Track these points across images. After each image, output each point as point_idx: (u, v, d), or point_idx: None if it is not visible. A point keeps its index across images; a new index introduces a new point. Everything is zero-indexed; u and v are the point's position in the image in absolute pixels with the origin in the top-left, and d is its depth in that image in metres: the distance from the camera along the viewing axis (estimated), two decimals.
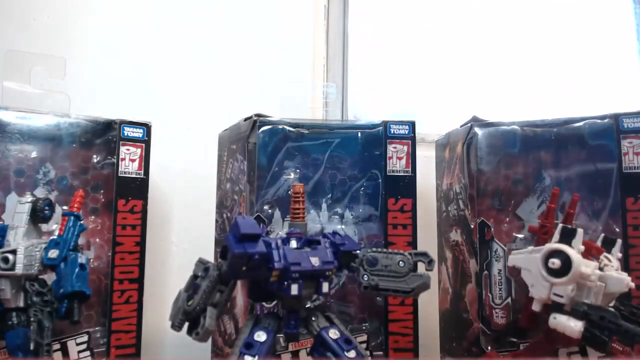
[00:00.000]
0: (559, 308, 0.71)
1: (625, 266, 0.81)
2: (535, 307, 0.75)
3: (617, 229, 0.86)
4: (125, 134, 0.92)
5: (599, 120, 0.89)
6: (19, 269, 0.75)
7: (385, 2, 1.44)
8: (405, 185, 0.91)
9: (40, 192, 0.88)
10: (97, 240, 0.92)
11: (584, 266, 0.70)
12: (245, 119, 0.93)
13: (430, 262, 0.74)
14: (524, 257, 0.77)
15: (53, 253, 0.78)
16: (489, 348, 0.88)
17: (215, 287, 0.68)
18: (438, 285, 1.05)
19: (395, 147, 0.92)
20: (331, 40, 1.36)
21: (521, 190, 0.92)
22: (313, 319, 0.72)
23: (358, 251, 0.75)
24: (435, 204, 1.08)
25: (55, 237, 0.81)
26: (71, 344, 0.87)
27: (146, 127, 0.94)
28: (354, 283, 0.92)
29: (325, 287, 0.70)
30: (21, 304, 0.77)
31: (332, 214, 0.94)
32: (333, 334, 0.70)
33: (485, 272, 0.89)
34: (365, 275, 0.74)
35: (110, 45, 1.27)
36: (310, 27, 1.32)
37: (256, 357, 0.66)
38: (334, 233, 0.77)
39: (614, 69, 1.39)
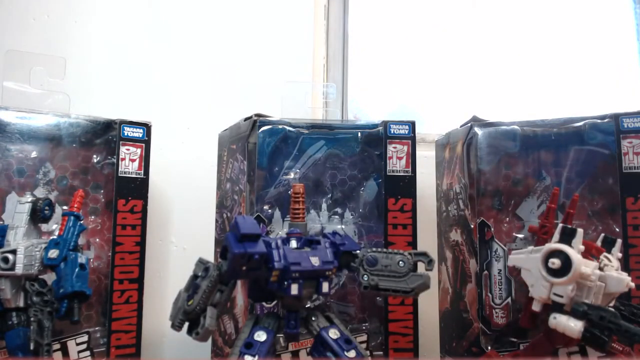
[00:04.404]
0: (559, 308, 0.71)
1: (625, 266, 0.81)
2: (535, 307, 0.75)
3: (617, 229, 0.86)
4: (125, 134, 0.92)
5: (599, 120, 0.89)
6: (19, 269, 0.75)
7: (385, 2, 1.44)
8: (405, 185, 0.91)
9: (40, 192, 0.88)
10: (97, 240, 0.92)
11: (584, 266, 0.70)
12: (245, 119, 0.93)
13: (430, 262, 0.74)
14: (524, 257, 0.77)
15: (53, 253, 0.78)
16: (489, 348, 0.88)
17: (216, 287, 0.69)
18: (438, 285, 1.05)
19: (395, 147, 0.92)
20: (331, 40, 1.36)
21: (521, 190, 0.92)
22: (313, 318, 0.72)
23: (358, 251, 0.75)
24: (435, 204, 1.08)
25: (55, 237, 0.81)
26: (71, 344, 0.87)
27: (146, 127, 0.94)
28: (354, 283, 0.92)
29: (325, 287, 0.70)
30: (21, 304, 0.78)
31: (332, 214, 0.94)
32: (333, 333, 0.70)
33: (485, 272, 0.89)
34: (365, 275, 0.74)
35: (110, 45, 1.27)
36: (310, 27, 1.32)
37: (256, 357, 0.66)
38: (334, 233, 0.77)
39: (614, 69, 1.39)
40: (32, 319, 0.76)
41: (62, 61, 0.97)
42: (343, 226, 0.93)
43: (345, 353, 0.68)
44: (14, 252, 0.75)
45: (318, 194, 0.94)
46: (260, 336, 0.68)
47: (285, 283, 0.67)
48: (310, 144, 0.94)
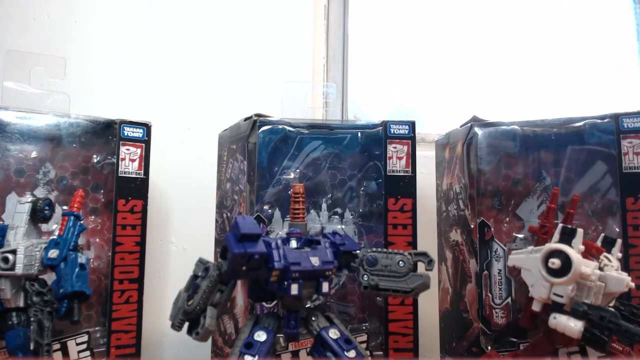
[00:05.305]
0: (559, 308, 0.71)
1: (625, 266, 0.81)
2: (535, 307, 0.75)
3: (617, 229, 0.86)
4: (125, 134, 0.92)
5: (599, 120, 0.89)
6: (19, 269, 0.75)
7: (385, 3, 1.44)
8: (405, 185, 0.91)
9: (40, 192, 0.88)
10: (97, 240, 0.92)
11: (584, 266, 0.70)
12: (245, 119, 0.93)
13: (430, 262, 0.74)
14: (524, 257, 0.77)
15: (53, 253, 0.78)
16: (489, 348, 0.88)
17: (215, 287, 0.68)
18: (438, 285, 1.05)
19: (395, 147, 0.92)
20: (331, 40, 1.36)
21: (521, 190, 0.92)
22: (313, 318, 0.72)
23: (358, 251, 0.75)
24: (435, 204, 1.08)
25: (55, 237, 0.81)
26: (71, 344, 0.87)
27: (146, 127, 0.94)
28: (354, 283, 0.92)
29: (325, 287, 0.70)
30: (21, 304, 0.77)
31: (332, 214, 0.94)
32: (333, 333, 0.70)
33: (485, 272, 0.89)
34: (365, 275, 0.74)
35: (110, 45, 1.27)
36: (310, 27, 1.32)
37: (256, 357, 0.66)
38: (334, 233, 0.77)
39: (614, 69, 1.39)
40: (32, 319, 0.76)
41: (62, 61, 0.97)
42: (343, 226, 0.93)
43: (345, 353, 0.68)
44: (14, 252, 0.75)
45: (318, 194, 0.94)
46: (260, 336, 0.68)
47: (285, 283, 0.67)
48: (310, 144, 0.94)
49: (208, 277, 0.68)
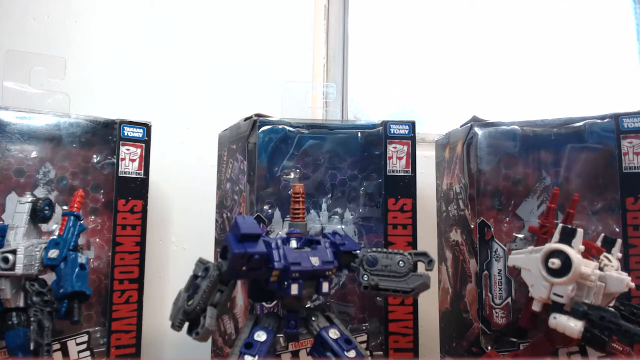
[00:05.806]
0: (559, 308, 0.71)
1: (625, 266, 0.81)
2: (535, 307, 0.75)
3: (617, 229, 0.86)
4: (125, 134, 0.92)
5: (599, 120, 0.89)
6: (19, 269, 0.75)
7: (385, 3, 1.44)
8: (405, 185, 0.91)
9: (40, 192, 0.88)
10: (97, 240, 0.92)
11: (584, 266, 0.70)
12: (245, 119, 0.93)
13: (430, 262, 0.74)
14: (524, 257, 0.77)
15: (53, 253, 0.78)
16: (489, 348, 0.88)
17: (216, 287, 0.69)
18: (438, 285, 1.05)
19: (395, 147, 0.92)
20: (331, 40, 1.36)
21: (521, 190, 0.92)
22: (313, 318, 0.72)
23: (358, 251, 0.75)
24: (435, 204, 1.08)
25: (55, 237, 0.81)
26: (71, 344, 0.87)
27: (146, 127, 0.95)
28: (354, 283, 0.92)
29: (325, 287, 0.70)
30: (21, 304, 0.77)
31: (332, 214, 0.94)
32: (333, 333, 0.70)
33: (485, 272, 0.89)
34: (365, 275, 0.74)
35: (110, 45, 1.27)
36: (310, 27, 1.32)
37: (256, 357, 0.66)
38: (334, 233, 0.77)
39: (614, 69, 1.39)
40: (32, 319, 0.76)
41: (62, 61, 0.97)
42: (343, 226, 0.93)
43: (345, 353, 0.68)
44: (14, 252, 0.75)
45: (318, 194, 0.94)
46: (260, 336, 0.68)
47: (285, 283, 0.67)
48: (310, 144, 0.94)
49: (208, 277, 0.68)
